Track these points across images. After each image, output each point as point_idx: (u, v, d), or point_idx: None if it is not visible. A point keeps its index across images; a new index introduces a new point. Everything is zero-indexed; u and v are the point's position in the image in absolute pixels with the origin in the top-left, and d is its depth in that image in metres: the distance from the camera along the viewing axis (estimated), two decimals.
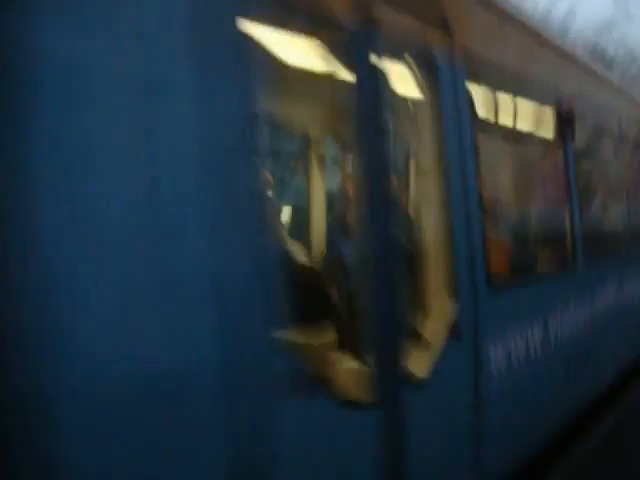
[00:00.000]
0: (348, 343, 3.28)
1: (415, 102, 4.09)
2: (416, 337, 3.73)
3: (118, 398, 2.17)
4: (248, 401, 2.62)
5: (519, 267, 5.17)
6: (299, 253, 3.21)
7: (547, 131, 6.01)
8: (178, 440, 2.37)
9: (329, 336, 3.15)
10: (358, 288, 3.35)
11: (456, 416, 3.98)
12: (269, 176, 3.04)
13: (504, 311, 4.60)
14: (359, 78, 3.32)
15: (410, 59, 3.92)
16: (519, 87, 5.43)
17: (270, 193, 2.99)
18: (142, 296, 2.28)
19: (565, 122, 6.04)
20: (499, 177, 5.18)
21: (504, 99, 5.19)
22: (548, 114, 6.02)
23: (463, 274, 4.17)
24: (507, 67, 5.21)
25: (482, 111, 4.84)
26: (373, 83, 3.39)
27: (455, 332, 3.96)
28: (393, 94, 3.72)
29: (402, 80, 3.85)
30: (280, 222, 3.16)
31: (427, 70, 4.05)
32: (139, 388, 2.22)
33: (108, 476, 2.19)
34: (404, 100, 4.00)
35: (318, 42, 3.18)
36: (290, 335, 2.81)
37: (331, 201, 3.41)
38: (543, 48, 6.16)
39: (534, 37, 6.02)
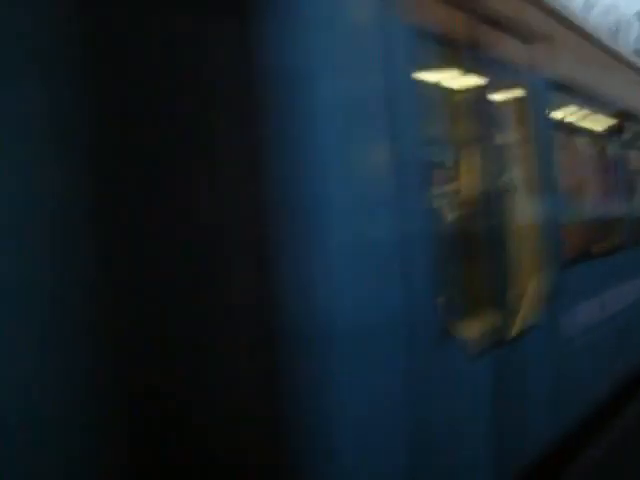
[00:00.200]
0: (481, 302, 4.26)
1: (515, 110, 5.01)
2: (521, 298, 4.74)
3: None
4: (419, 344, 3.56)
5: (586, 246, 6.15)
6: (451, 231, 4.16)
7: (605, 132, 6.97)
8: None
9: (469, 295, 4.13)
10: (488, 261, 4.33)
11: (548, 359, 4.99)
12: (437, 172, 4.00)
13: (577, 280, 5.60)
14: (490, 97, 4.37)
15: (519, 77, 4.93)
16: (588, 97, 6.40)
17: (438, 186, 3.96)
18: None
19: (616, 124, 7.00)
20: (573, 175, 6.12)
21: (579, 108, 6.16)
22: (607, 118, 6.98)
23: (550, 251, 5.16)
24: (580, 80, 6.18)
25: (562, 116, 5.82)
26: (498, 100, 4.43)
27: (546, 295, 4.99)
28: (507, 105, 4.71)
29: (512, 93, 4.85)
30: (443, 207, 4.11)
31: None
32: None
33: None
34: (512, 109, 4.93)
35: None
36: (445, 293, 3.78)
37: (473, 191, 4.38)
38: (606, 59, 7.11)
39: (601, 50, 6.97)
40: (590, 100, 6.59)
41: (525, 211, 4.98)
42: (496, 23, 4.71)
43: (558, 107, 5.80)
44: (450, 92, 4.23)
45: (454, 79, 4.28)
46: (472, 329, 4.16)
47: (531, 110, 5.20)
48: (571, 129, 6.21)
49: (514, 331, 4.60)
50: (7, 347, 2.48)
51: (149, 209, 2.98)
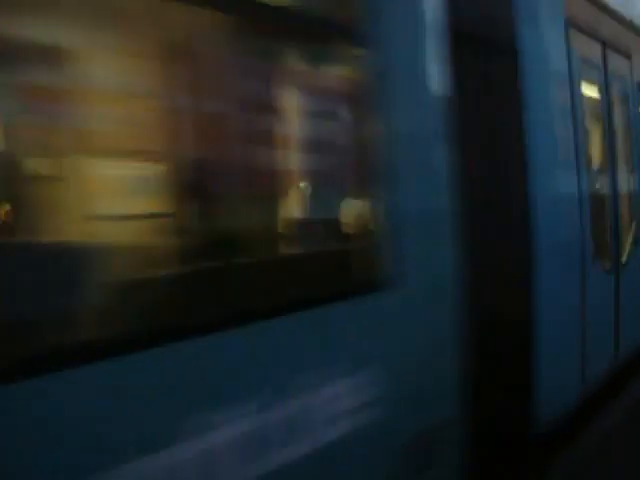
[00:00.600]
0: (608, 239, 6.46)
1: (623, 109, 7.18)
2: (626, 239, 6.92)
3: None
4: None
5: None
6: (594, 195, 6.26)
7: None
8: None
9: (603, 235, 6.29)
10: (611, 214, 6.52)
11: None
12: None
13: None
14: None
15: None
16: None
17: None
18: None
19: None
20: None
21: None
22: None
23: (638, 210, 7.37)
24: None
25: None
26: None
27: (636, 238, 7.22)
28: (620, 105, 6.90)
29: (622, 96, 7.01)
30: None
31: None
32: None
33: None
34: (622, 109, 7.11)
35: None
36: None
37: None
38: None
39: None
40: None
41: (627, 183, 7.15)
42: (614, 47, 6.85)
43: None
44: (591, 98, 6.38)
45: (594, 89, 6.43)
46: (605, 255, 6.34)
47: (631, 109, 7.35)
48: None
49: (623, 260, 6.78)
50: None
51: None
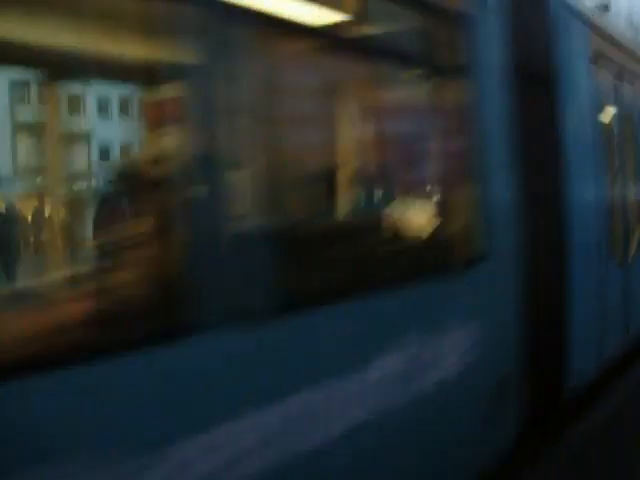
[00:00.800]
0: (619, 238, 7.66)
1: None
2: (634, 237, 8.14)
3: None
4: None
5: None
6: (606, 203, 7.46)
7: None
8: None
9: (614, 233, 7.49)
10: (623, 217, 7.73)
11: None
12: None
13: None
14: None
15: None
16: None
17: None
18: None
19: None
20: None
21: None
22: None
23: None
24: None
25: None
26: None
27: None
28: None
29: None
30: None
31: None
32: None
33: None
34: None
35: None
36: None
37: None
38: None
39: None
40: None
41: (634, 191, 8.38)
42: (623, 78, 8.12)
43: None
44: (607, 120, 7.60)
45: (609, 113, 7.67)
46: (617, 252, 7.53)
47: (637, 129, 8.59)
48: None
49: (631, 256, 7.99)
50: None
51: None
